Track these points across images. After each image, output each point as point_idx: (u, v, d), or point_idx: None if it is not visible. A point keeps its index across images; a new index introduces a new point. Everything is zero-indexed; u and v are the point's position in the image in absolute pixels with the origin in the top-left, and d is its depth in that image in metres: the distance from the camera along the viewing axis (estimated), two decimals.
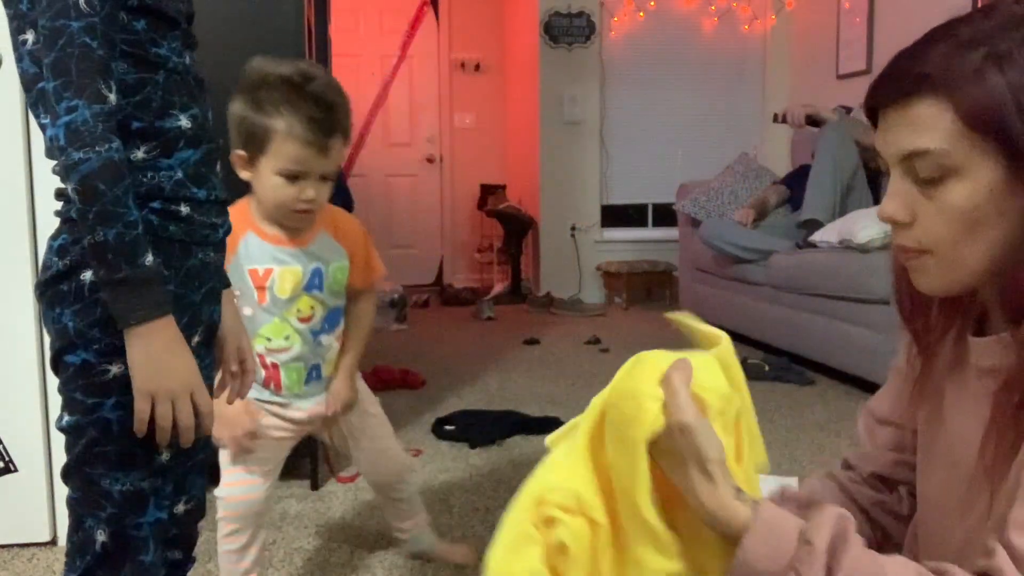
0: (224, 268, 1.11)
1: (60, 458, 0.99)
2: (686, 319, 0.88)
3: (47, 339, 0.99)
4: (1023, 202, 0.72)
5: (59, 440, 0.99)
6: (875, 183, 3.68)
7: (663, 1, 5.63)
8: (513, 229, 5.82)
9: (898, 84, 0.75)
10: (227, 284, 1.14)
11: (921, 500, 0.92)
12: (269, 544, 1.86)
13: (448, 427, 2.69)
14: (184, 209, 0.98)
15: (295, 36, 2.09)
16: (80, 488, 0.97)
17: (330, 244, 1.47)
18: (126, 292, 0.88)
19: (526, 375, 3.53)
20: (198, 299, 1.02)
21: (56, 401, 0.99)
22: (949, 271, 0.76)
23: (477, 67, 6.57)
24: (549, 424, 2.73)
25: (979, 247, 0.74)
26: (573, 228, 5.66)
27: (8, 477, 1.78)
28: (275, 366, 1.46)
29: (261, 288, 1.41)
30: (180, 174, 0.98)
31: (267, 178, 1.35)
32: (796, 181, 4.06)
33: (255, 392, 1.46)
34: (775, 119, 4.28)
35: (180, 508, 1.08)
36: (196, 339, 1.02)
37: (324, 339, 1.49)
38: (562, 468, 0.81)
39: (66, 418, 0.97)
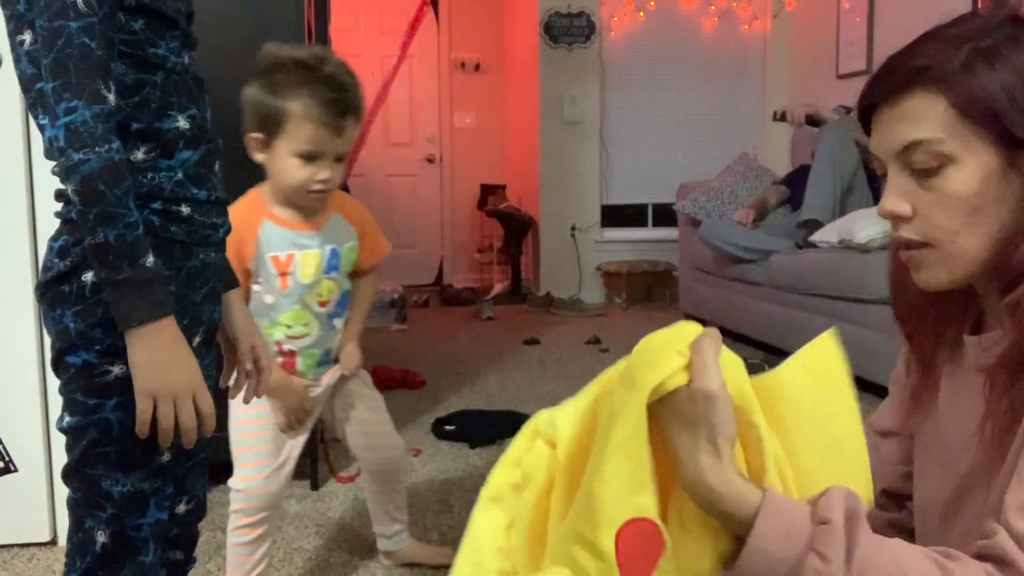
0: (226, 268, 1.11)
1: (60, 458, 1.00)
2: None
3: (47, 339, 0.99)
4: (1018, 188, 0.74)
5: (59, 440, 0.99)
6: (875, 183, 3.68)
7: (663, 1, 5.62)
8: (513, 229, 5.82)
9: (891, 80, 0.77)
10: (232, 284, 1.14)
11: (917, 508, 0.92)
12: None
13: (448, 427, 2.69)
14: (185, 210, 0.98)
15: (295, 36, 2.09)
16: (80, 489, 0.97)
17: (341, 225, 1.51)
18: (127, 293, 0.88)
19: (526, 375, 3.53)
20: (199, 299, 1.02)
21: (56, 401, 0.99)
22: (951, 262, 0.77)
23: (477, 67, 6.57)
24: None
25: (979, 235, 0.75)
26: (573, 228, 5.66)
27: (8, 477, 1.78)
28: (292, 353, 1.50)
29: (284, 274, 1.44)
30: (180, 175, 0.98)
31: (283, 160, 1.37)
32: (796, 181, 4.06)
33: None
34: (775, 117, 4.28)
35: (181, 508, 1.08)
36: (197, 339, 1.02)
37: (336, 322, 1.54)
38: (564, 406, 0.80)
39: (67, 419, 0.97)
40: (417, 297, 5.62)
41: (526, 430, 0.80)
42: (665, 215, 5.42)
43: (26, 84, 0.94)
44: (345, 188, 3.84)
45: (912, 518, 0.96)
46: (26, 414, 1.76)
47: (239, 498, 1.50)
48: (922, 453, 0.91)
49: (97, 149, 0.86)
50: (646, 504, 0.68)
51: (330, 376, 1.57)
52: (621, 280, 5.44)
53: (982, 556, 0.68)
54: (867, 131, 0.82)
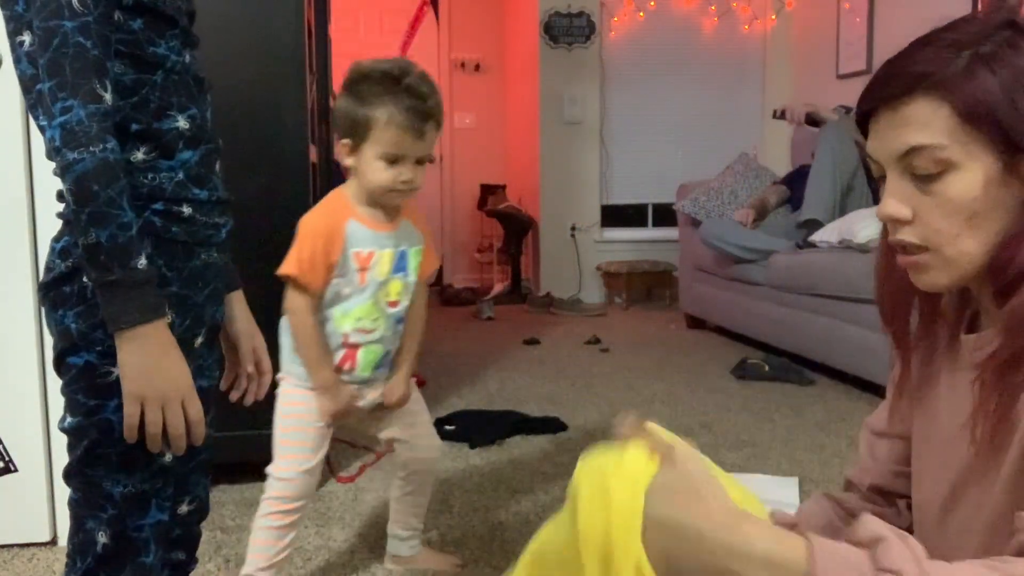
0: (229, 269, 1.11)
1: (60, 458, 0.99)
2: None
3: (47, 339, 0.99)
4: (1018, 192, 0.75)
5: (59, 440, 0.99)
6: (875, 183, 3.68)
7: (663, 1, 5.63)
8: (513, 229, 5.82)
9: (892, 86, 0.77)
10: (235, 285, 1.14)
11: (915, 506, 0.92)
12: None
13: (448, 427, 2.69)
14: (186, 210, 0.98)
15: (295, 36, 2.09)
16: (81, 489, 0.97)
17: (411, 230, 1.61)
18: (117, 295, 0.87)
19: (526, 375, 3.53)
20: (201, 300, 1.02)
21: (56, 401, 0.99)
22: (950, 265, 0.78)
23: (477, 67, 6.57)
24: (549, 424, 2.73)
25: (978, 239, 0.76)
26: (573, 228, 5.66)
27: (8, 477, 1.78)
28: (356, 346, 1.56)
29: (363, 269, 1.53)
30: (181, 175, 0.98)
31: (369, 163, 1.49)
32: (796, 181, 4.06)
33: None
34: (775, 115, 4.29)
35: (183, 508, 1.08)
36: (199, 340, 1.02)
37: (400, 327, 1.62)
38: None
39: (68, 419, 0.97)
40: None
41: None
42: (665, 215, 5.42)
43: (26, 85, 0.94)
44: None
45: (900, 517, 0.97)
46: (26, 414, 1.76)
47: (279, 486, 1.55)
48: (920, 451, 0.91)
49: (92, 148, 0.85)
50: None
51: (375, 395, 1.63)
52: (621, 280, 5.44)
53: (1022, 551, 0.67)
54: (863, 134, 0.82)
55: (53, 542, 1.83)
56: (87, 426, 0.95)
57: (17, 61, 0.94)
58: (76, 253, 0.93)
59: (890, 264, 0.84)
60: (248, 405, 1.20)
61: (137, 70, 0.95)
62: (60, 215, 0.98)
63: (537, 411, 2.89)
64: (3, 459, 1.77)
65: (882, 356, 2.87)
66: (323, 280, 1.50)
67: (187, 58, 1.00)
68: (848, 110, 4.02)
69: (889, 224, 0.80)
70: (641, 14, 5.63)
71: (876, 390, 3.04)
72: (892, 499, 0.98)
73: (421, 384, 3.30)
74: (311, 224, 1.52)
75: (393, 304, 1.58)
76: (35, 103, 0.93)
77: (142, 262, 0.88)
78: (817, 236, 3.46)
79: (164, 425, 0.92)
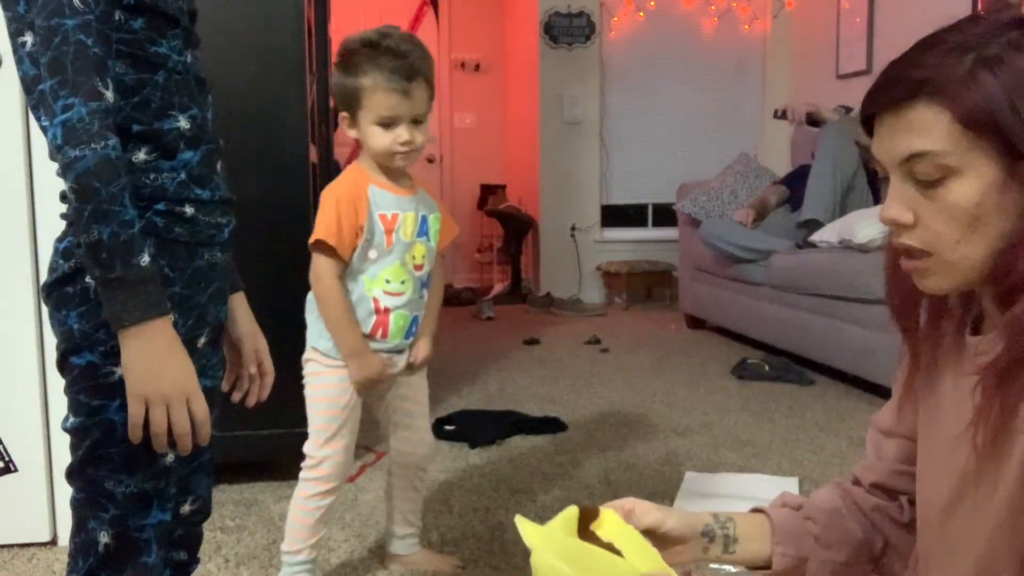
0: (232, 269, 1.11)
1: (61, 458, 1.00)
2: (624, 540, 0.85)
3: (48, 339, 0.99)
4: (1019, 197, 0.75)
5: (60, 440, 0.99)
6: (875, 183, 3.68)
7: (663, 1, 5.63)
8: (513, 229, 5.82)
9: (894, 90, 0.77)
10: (237, 287, 1.14)
11: (919, 507, 0.92)
12: (269, 544, 1.86)
13: (448, 427, 2.70)
14: (188, 210, 0.98)
15: (295, 36, 2.09)
16: (83, 489, 0.97)
17: (428, 198, 1.67)
18: (120, 292, 0.87)
19: (526, 375, 3.53)
20: (204, 300, 1.01)
21: (57, 401, 0.99)
22: (952, 270, 0.78)
23: (477, 67, 6.58)
24: (549, 424, 2.73)
25: (980, 244, 0.76)
26: (573, 228, 5.66)
27: (8, 477, 1.78)
28: (387, 311, 1.60)
29: (390, 231, 1.57)
30: (183, 175, 0.98)
31: (367, 130, 1.54)
32: (796, 181, 4.06)
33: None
34: (775, 114, 4.29)
35: (186, 508, 1.08)
36: (203, 340, 1.01)
37: (425, 292, 1.67)
38: None
39: (71, 419, 0.97)
40: None
41: None
42: (665, 215, 5.42)
43: (28, 85, 0.94)
44: None
45: (902, 512, 0.97)
46: (26, 414, 1.76)
47: (325, 465, 1.59)
48: (924, 452, 0.91)
49: (93, 146, 0.85)
50: None
51: (404, 359, 1.68)
52: (621, 280, 5.44)
53: None
54: (870, 135, 0.82)
55: (53, 542, 1.83)
56: (89, 426, 0.95)
57: (19, 62, 0.94)
58: (79, 253, 0.93)
59: (898, 264, 0.85)
60: (250, 407, 1.20)
61: (138, 70, 0.94)
62: (63, 216, 0.97)
63: (537, 411, 2.89)
64: (3, 459, 1.77)
65: (882, 356, 2.87)
66: (351, 244, 1.53)
67: (188, 58, 1.00)
68: (848, 110, 4.02)
69: (892, 228, 0.81)
70: (641, 14, 5.63)
71: (876, 390, 3.04)
72: (894, 495, 0.99)
73: None
74: (335, 191, 1.56)
75: (419, 267, 1.62)
76: (37, 103, 0.93)
77: (144, 259, 0.88)
78: (817, 236, 3.46)
79: (169, 425, 0.91)
